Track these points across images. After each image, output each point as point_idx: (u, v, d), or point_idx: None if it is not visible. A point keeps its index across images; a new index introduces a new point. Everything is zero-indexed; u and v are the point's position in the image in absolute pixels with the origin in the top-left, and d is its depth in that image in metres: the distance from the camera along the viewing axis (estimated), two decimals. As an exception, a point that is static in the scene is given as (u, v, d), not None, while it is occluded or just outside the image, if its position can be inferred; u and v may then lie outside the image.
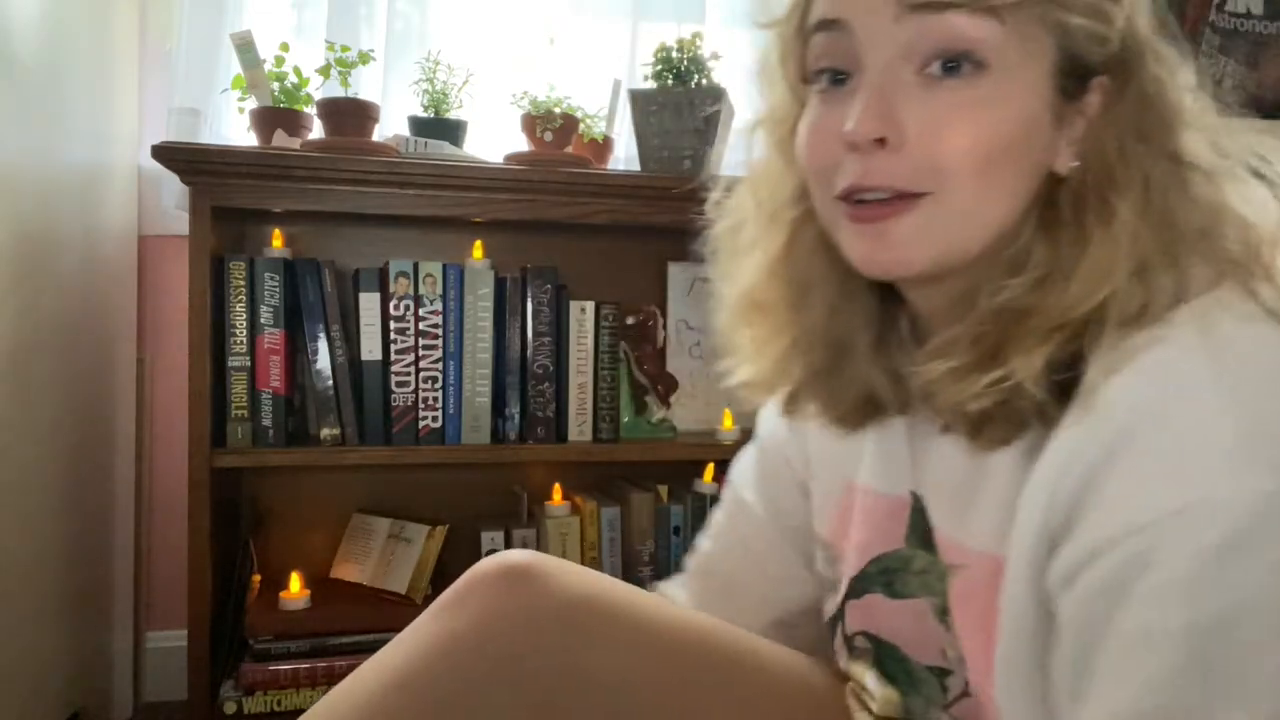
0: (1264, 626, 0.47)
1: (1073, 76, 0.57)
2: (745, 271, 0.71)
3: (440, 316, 1.54)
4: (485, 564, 0.73)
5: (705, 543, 0.91)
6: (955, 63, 0.55)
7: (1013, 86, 0.56)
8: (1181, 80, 0.58)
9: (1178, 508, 0.48)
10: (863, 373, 0.69)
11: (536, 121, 1.62)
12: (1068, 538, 0.53)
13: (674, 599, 0.90)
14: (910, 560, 0.69)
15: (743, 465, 0.89)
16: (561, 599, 0.70)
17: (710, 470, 1.68)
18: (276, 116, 1.55)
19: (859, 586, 0.73)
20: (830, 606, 0.78)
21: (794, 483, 0.84)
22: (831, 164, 0.59)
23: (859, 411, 0.70)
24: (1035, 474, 0.55)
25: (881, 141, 0.56)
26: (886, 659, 0.72)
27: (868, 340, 0.68)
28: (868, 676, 0.73)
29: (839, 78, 0.60)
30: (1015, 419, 0.57)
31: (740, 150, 0.75)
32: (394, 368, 1.53)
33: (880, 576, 0.71)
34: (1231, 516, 0.47)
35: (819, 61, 0.60)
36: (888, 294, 0.69)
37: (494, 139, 1.72)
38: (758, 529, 0.86)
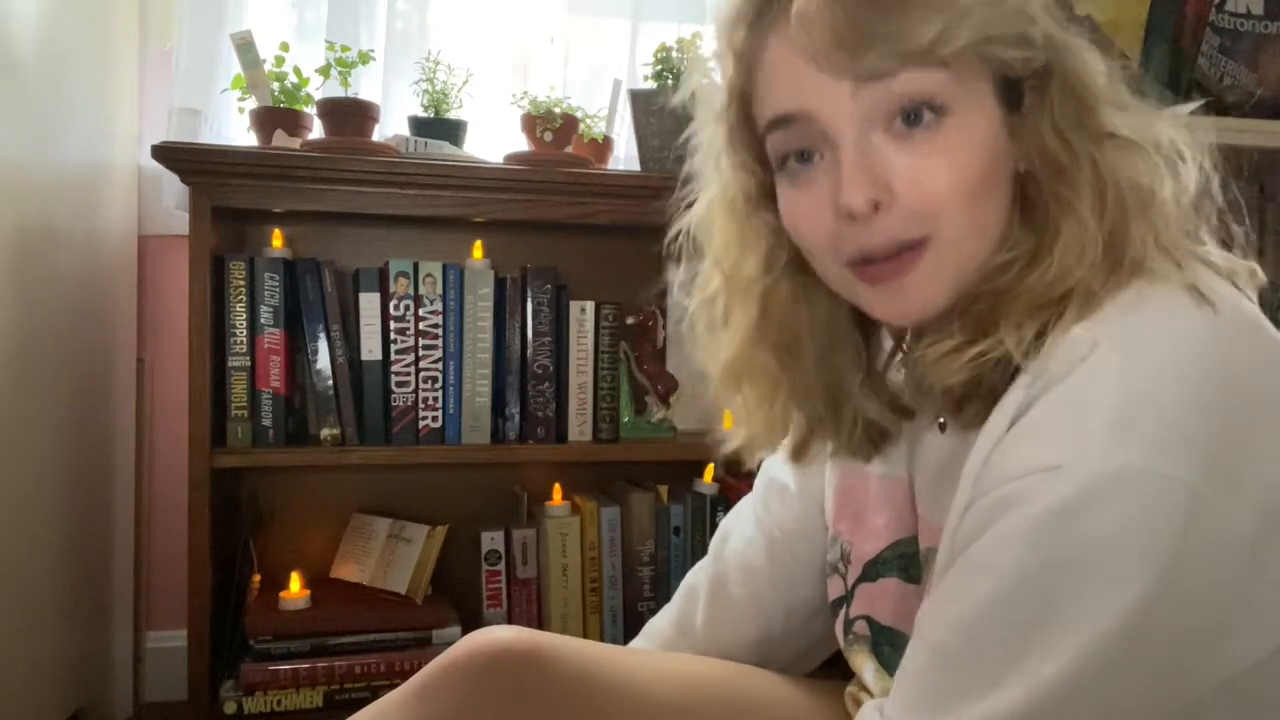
0: (1083, 581, 0.52)
1: (1011, 89, 0.62)
2: (726, 344, 0.74)
3: (440, 316, 1.54)
4: (469, 643, 0.73)
5: (734, 527, 0.92)
6: (917, 113, 0.59)
7: (971, 121, 0.60)
8: (1093, 66, 0.63)
9: (1049, 465, 0.53)
10: (861, 406, 0.72)
11: (536, 121, 1.62)
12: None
13: (680, 626, 0.91)
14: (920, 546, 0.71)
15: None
16: (547, 684, 0.72)
17: (710, 470, 1.68)
18: (276, 116, 1.55)
19: (875, 570, 0.74)
20: (836, 589, 0.79)
21: (819, 467, 0.85)
22: (828, 237, 0.63)
23: (869, 443, 0.73)
24: (977, 442, 0.59)
25: (875, 205, 0.60)
26: (884, 644, 0.73)
27: (859, 376, 0.72)
28: (866, 669, 0.74)
29: (805, 156, 0.63)
30: (989, 394, 0.60)
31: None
32: (394, 368, 1.52)
33: (898, 561, 0.73)
34: (1089, 480, 0.52)
35: (784, 147, 0.64)
36: (863, 316, 0.71)
37: (494, 139, 1.72)
38: (792, 510, 0.87)
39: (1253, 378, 0.56)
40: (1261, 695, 0.57)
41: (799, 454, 0.76)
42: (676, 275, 0.77)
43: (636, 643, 0.94)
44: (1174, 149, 0.62)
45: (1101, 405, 0.53)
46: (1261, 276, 0.64)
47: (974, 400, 0.61)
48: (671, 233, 0.77)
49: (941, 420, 0.67)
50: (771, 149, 0.65)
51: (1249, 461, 0.54)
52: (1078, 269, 0.58)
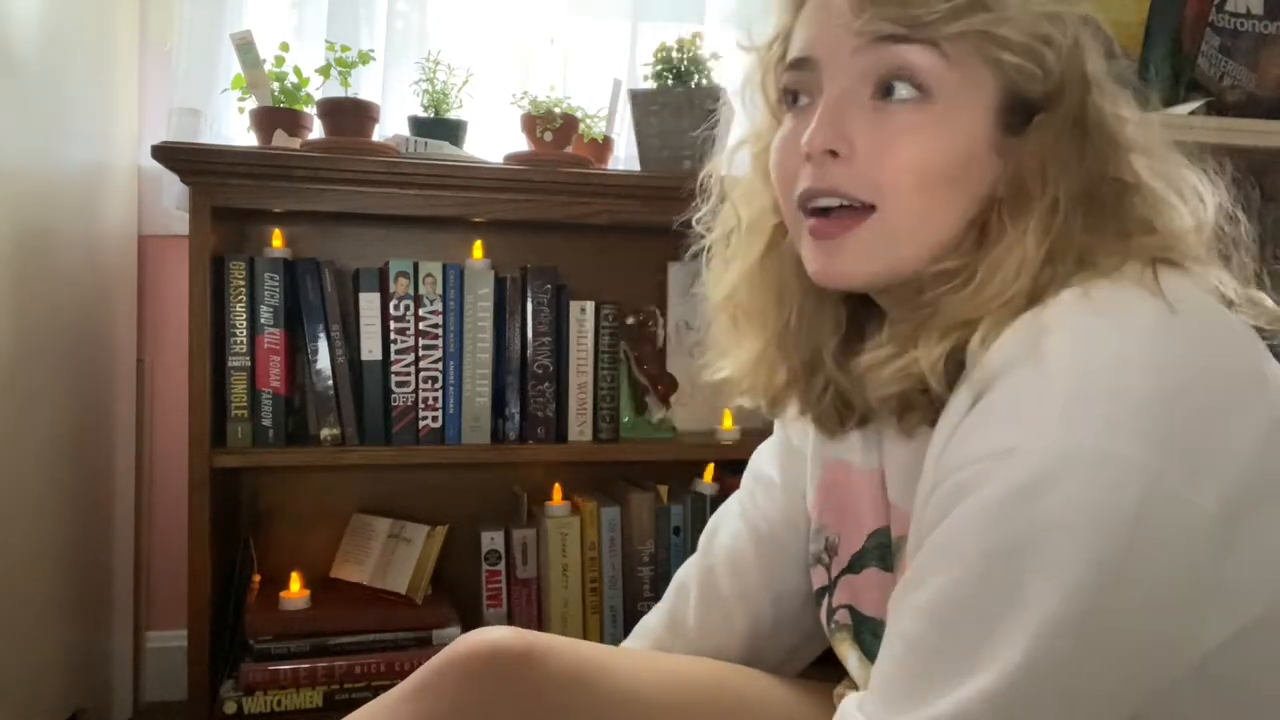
0: (1040, 562, 0.52)
1: (1016, 113, 0.63)
2: (729, 277, 0.77)
3: (440, 316, 1.54)
4: (466, 643, 0.74)
5: (723, 522, 0.93)
6: (899, 84, 0.62)
7: (954, 115, 0.62)
8: (1123, 112, 0.65)
9: (1006, 448, 0.54)
10: (832, 376, 0.73)
11: (536, 121, 1.62)
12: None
13: (672, 624, 0.92)
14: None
15: (766, 444, 0.92)
16: (541, 684, 0.72)
17: (710, 470, 1.68)
18: (276, 116, 1.55)
19: (859, 561, 0.75)
20: (819, 579, 0.80)
21: (803, 459, 0.85)
22: (793, 174, 0.66)
23: (836, 414, 0.75)
24: (937, 429, 0.60)
25: (834, 154, 0.63)
26: (866, 633, 0.74)
27: (834, 345, 0.73)
28: (850, 658, 0.75)
29: (803, 101, 0.67)
30: (929, 401, 0.62)
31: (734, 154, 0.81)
32: (394, 368, 1.52)
33: (876, 551, 0.73)
34: (1046, 461, 0.52)
35: (789, 86, 0.68)
36: (862, 299, 0.72)
37: (494, 139, 1.72)
38: (777, 502, 0.88)
39: (1208, 358, 0.56)
40: (1237, 677, 0.57)
41: (775, 404, 0.78)
42: (702, 209, 0.81)
43: (629, 642, 0.95)
44: (1196, 194, 0.64)
45: (1054, 388, 0.54)
46: (1274, 307, 0.64)
47: (914, 410, 0.63)
48: (701, 174, 0.80)
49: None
50: (783, 85, 0.68)
51: (1214, 444, 0.53)
52: (993, 304, 0.59)
